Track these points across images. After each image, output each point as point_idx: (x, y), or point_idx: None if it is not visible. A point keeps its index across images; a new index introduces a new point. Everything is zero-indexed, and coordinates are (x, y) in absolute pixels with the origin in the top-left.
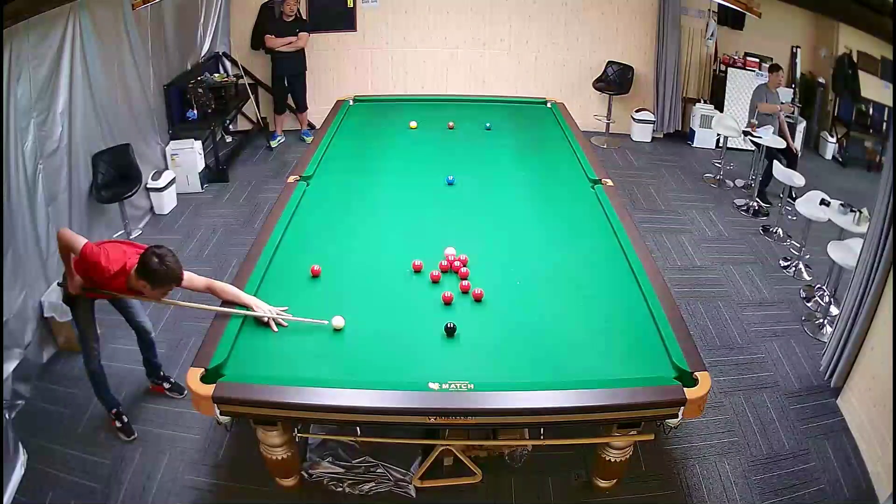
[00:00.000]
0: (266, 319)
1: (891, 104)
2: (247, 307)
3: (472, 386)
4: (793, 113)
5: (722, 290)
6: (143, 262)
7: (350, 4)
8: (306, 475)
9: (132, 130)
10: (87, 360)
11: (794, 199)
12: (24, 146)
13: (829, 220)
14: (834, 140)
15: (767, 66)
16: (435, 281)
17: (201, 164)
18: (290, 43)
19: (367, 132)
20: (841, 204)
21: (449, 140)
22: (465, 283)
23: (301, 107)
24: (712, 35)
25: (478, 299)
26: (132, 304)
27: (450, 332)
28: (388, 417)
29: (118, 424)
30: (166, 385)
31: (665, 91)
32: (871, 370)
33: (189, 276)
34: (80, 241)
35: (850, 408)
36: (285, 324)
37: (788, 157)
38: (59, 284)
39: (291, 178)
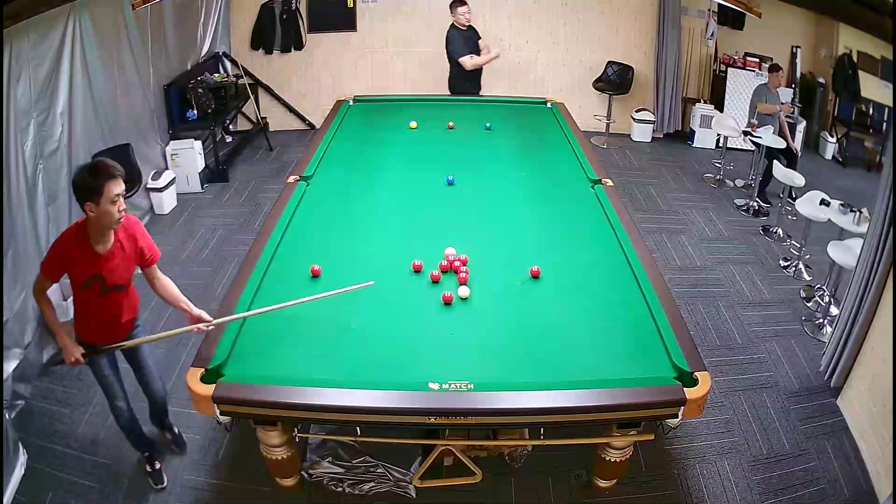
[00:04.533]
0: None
1: (891, 104)
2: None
3: (472, 386)
4: (792, 113)
5: (722, 290)
6: (74, 181)
7: (350, 4)
8: (306, 475)
9: (132, 130)
10: (115, 418)
11: (794, 199)
12: (24, 146)
13: (829, 220)
14: (834, 140)
15: (767, 66)
16: (435, 281)
17: (201, 164)
18: (496, 56)
19: (367, 132)
20: (841, 204)
21: (449, 140)
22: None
23: None
24: (712, 35)
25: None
26: (146, 366)
27: None
28: (388, 417)
29: (149, 469)
30: (168, 435)
31: (665, 91)
32: (871, 370)
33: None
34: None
35: (850, 408)
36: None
37: (788, 157)
38: (55, 362)
39: (291, 178)
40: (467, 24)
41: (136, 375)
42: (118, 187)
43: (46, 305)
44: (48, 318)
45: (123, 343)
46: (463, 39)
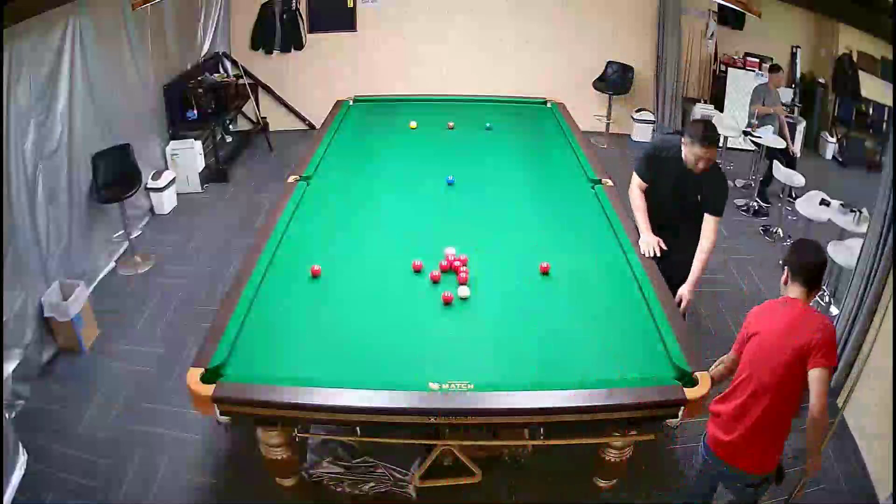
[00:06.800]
0: None
1: (891, 104)
2: None
3: (472, 386)
4: (792, 113)
5: (722, 290)
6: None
7: (350, 4)
8: (306, 475)
9: (132, 130)
10: None
11: (794, 199)
12: (24, 146)
13: (829, 220)
14: (834, 140)
15: (767, 66)
16: (435, 281)
17: (201, 164)
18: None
19: (367, 132)
20: (841, 204)
21: (449, 140)
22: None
23: None
24: (712, 35)
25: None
26: None
27: None
28: (388, 417)
29: None
30: None
31: (665, 91)
32: (871, 370)
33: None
34: None
35: (850, 408)
36: None
37: (788, 157)
38: None
39: (291, 178)
40: (697, 167)
41: None
42: None
43: None
44: None
45: None
46: (655, 163)
